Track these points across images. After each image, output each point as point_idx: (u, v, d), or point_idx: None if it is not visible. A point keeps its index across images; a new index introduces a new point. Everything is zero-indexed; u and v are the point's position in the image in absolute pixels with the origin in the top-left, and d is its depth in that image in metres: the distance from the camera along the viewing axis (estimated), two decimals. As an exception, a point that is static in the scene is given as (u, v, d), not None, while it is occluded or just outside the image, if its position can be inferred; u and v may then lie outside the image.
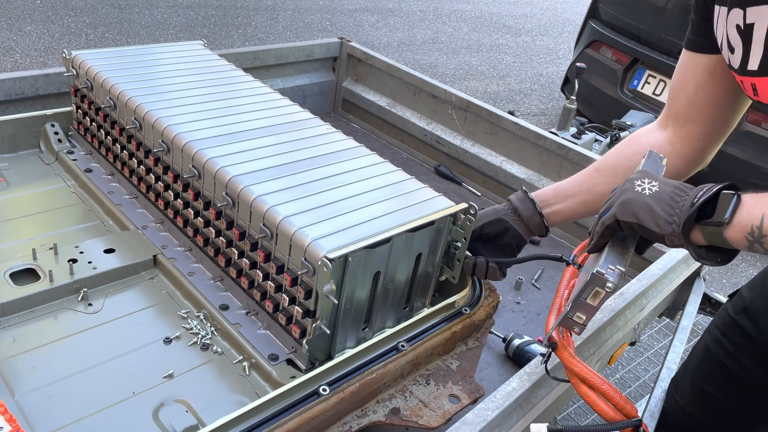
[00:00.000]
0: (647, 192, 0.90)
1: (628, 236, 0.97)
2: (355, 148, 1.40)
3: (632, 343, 1.79)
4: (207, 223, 1.29)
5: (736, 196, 0.84)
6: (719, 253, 0.87)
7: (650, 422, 1.31)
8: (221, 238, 1.26)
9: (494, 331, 1.61)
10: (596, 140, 2.97)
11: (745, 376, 1.18)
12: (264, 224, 1.14)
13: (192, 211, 1.32)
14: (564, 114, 2.98)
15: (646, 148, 1.10)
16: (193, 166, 1.28)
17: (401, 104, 2.51)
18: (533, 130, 2.14)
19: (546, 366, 1.04)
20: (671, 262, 1.47)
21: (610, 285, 0.89)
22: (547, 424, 0.95)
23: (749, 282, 1.23)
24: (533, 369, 1.10)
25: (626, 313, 1.39)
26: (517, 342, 1.57)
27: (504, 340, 1.60)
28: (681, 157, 1.19)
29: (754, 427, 1.24)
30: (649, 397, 1.39)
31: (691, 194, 0.87)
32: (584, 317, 0.94)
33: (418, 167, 2.42)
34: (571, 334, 1.02)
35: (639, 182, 0.92)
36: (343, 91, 2.66)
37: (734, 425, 1.21)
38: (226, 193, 1.21)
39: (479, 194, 2.29)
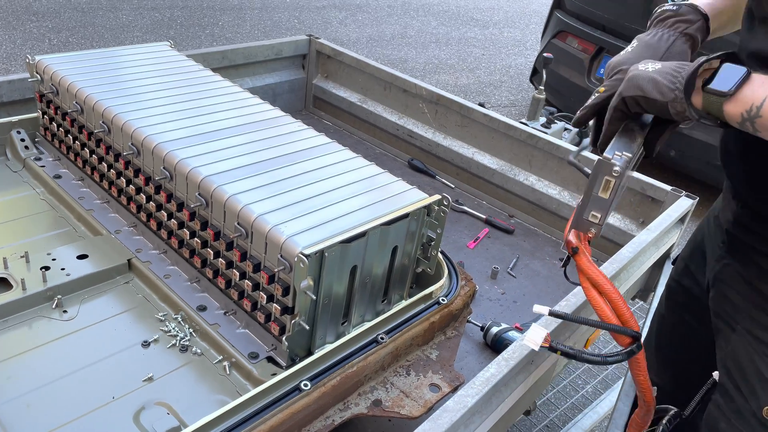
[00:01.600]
0: (650, 69, 0.90)
1: (636, 127, 0.97)
2: (327, 144, 1.40)
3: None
4: (181, 225, 1.29)
5: (746, 72, 0.83)
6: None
7: (626, 401, 1.34)
8: (196, 239, 1.25)
9: (472, 320, 1.64)
10: (566, 129, 3.01)
11: (691, 334, 1.26)
12: (239, 223, 1.14)
13: (165, 214, 1.32)
14: (533, 104, 3.01)
15: None
16: (164, 167, 1.27)
17: (372, 99, 2.52)
18: (503, 121, 2.17)
19: (565, 271, 1.04)
20: (641, 245, 1.51)
21: (617, 169, 0.88)
22: (548, 307, 0.96)
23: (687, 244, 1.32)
24: (511, 354, 1.12)
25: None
26: (495, 330, 1.59)
27: (482, 328, 1.62)
28: None
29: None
30: (624, 378, 1.42)
31: (693, 64, 0.88)
32: (599, 215, 0.92)
33: (392, 161, 2.43)
34: (589, 242, 1.00)
35: (642, 65, 0.92)
36: (314, 89, 2.65)
37: (693, 386, 1.25)
38: (199, 194, 1.20)
39: (453, 186, 2.31)
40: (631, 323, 0.92)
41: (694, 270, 1.26)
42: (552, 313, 0.98)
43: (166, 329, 1.22)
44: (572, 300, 1.27)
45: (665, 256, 1.80)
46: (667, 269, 1.82)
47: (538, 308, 0.95)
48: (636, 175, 1.90)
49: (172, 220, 1.30)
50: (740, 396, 1.04)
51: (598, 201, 0.92)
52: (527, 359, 1.15)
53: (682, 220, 1.78)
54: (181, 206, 1.27)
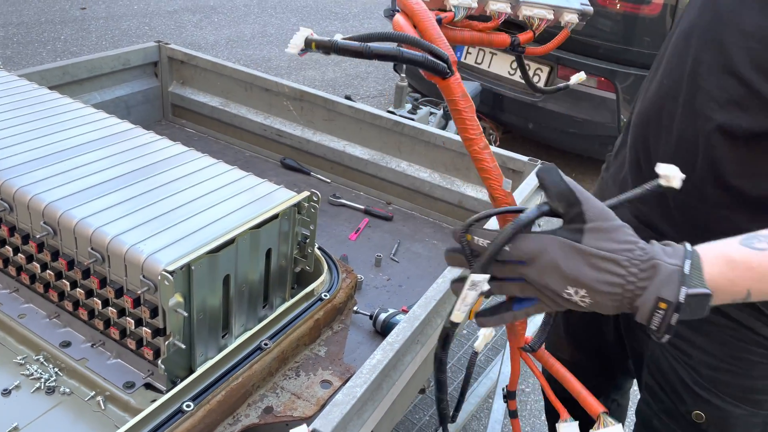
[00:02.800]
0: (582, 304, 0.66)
1: None
2: (184, 153, 1.34)
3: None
4: (30, 258, 1.18)
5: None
6: None
7: (509, 363, 1.40)
8: (48, 271, 1.15)
9: (360, 310, 1.64)
10: (431, 113, 3.10)
11: (600, 316, 1.23)
12: (93, 248, 1.06)
13: (10, 249, 1.20)
14: (397, 92, 3.07)
15: None
16: (2, 199, 1.16)
17: (235, 102, 2.45)
18: (369, 111, 2.19)
19: None
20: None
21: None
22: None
23: None
24: (395, 338, 1.14)
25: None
26: (383, 316, 1.61)
27: (371, 317, 1.64)
28: None
29: (626, 359, 1.31)
30: (506, 345, 1.49)
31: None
32: None
33: (264, 163, 2.38)
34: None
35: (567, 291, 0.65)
36: (171, 96, 2.53)
37: (610, 357, 1.30)
38: (45, 222, 1.10)
39: (329, 181, 2.31)
40: (440, 44, 0.74)
41: None
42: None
43: (28, 372, 1.11)
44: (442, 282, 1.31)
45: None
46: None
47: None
48: (496, 150, 1.99)
49: (19, 254, 1.18)
50: (668, 399, 1.07)
51: None
52: (411, 339, 1.17)
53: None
54: (26, 238, 1.16)
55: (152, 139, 1.38)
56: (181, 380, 1.07)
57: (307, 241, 1.30)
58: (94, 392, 1.09)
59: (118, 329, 1.10)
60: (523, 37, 0.96)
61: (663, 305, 0.61)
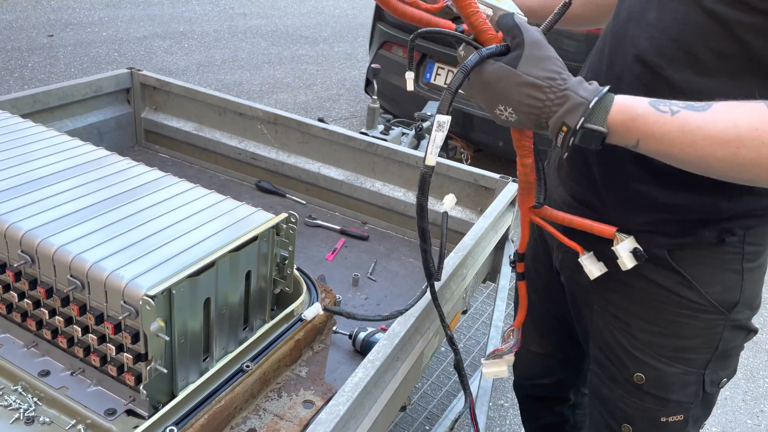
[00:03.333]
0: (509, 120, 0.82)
1: None
2: (161, 179, 1.35)
3: (464, 312, 1.94)
4: (6, 288, 1.17)
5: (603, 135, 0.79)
6: None
7: (486, 381, 1.43)
8: (26, 300, 1.15)
9: (339, 331, 1.66)
10: (403, 134, 3.15)
11: (560, 308, 1.32)
12: (72, 275, 1.06)
13: (-15, 279, 1.19)
14: (369, 114, 3.12)
15: None
16: (-24, 228, 1.15)
17: (209, 126, 2.46)
18: (342, 132, 2.22)
19: None
20: (480, 232, 1.62)
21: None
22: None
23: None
24: (376, 356, 1.16)
25: (450, 285, 1.50)
26: (362, 335, 1.63)
27: (350, 336, 1.65)
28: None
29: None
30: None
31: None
32: None
33: (239, 186, 2.39)
34: None
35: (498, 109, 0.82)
36: (144, 122, 2.53)
37: (578, 346, 1.34)
38: (23, 251, 1.10)
39: (304, 202, 2.33)
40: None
41: (541, 254, 1.34)
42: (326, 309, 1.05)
43: (6, 403, 1.10)
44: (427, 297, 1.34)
45: (504, 238, 1.96)
46: (508, 249, 1.98)
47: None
48: (467, 168, 2.04)
49: (-5, 284, 1.18)
50: (612, 366, 1.14)
51: None
52: (392, 356, 1.19)
53: (513, 203, 1.94)
54: (2, 268, 1.15)
55: (129, 165, 1.39)
56: (163, 405, 1.07)
57: (286, 262, 1.31)
58: (74, 420, 1.08)
59: (99, 356, 1.10)
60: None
61: (564, 128, 0.77)
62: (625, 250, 0.94)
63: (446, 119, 0.81)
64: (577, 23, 1.23)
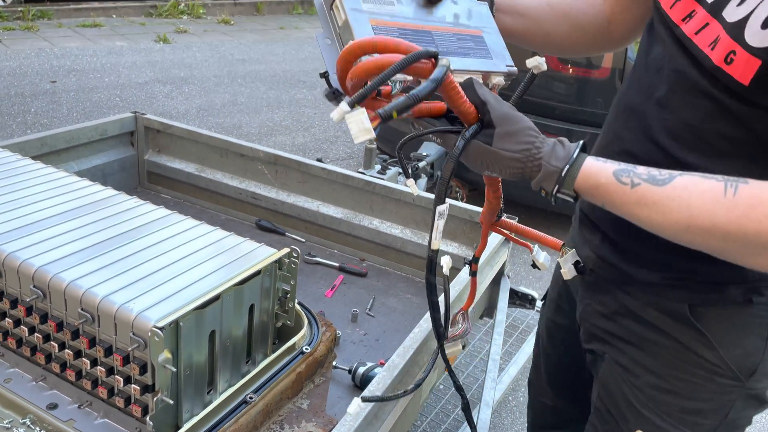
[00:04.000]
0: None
1: None
2: (167, 216, 1.40)
3: (463, 347, 1.96)
4: (18, 323, 1.21)
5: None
6: None
7: (486, 409, 1.46)
8: (36, 334, 1.18)
9: (339, 366, 1.68)
10: (399, 173, 3.22)
11: (578, 365, 1.25)
12: (83, 309, 1.10)
13: (-3, 314, 1.22)
14: (366, 154, 3.19)
15: (590, 1, 1.13)
16: (-10, 265, 1.19)
17: (210, 167, 2.52)
18: (341, 172, 2.29)
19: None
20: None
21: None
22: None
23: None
24: (376, 386, 1.19)
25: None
26: (361, 369, 1.65)
27: (349, 371, 1.67)
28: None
29: None
30: (483, 388, 1.55)
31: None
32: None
33: (239, 225, 2.44)
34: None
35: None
36: (147, 164, 2.60)
37: (588, 405, 1.28)
38: (35, 286, 1.14)
39: (303, 240, 2.37)
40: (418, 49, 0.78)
41: (565, 308, 1.27)
42: (365, 399, 1.08)
43: (13, 438, 1.12)
44: (425, 326, 1.37)
45: (500, 273, 2.00)
46: (504, 285, 2.02)
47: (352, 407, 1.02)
48: (463, 205, 2.10)
49: (7, 319, 1.21)
50: (612, 419, 1.10)
51: (344, 30, 0.89)
52: (391, 388, 1.22)
53: (507, 239, 1.99)
54: (15, 303, 1.19)
55: (136, 204, 1.44)
56: (169, 436, 1.10)
57: (288, 296, 1.35)
58: (81, 453, 1.10)
59: (106, 388, 1.12)
60: None
61: (543, 191, 0.85)
62: (567, 263, 1.02)
63: (445, 207, 0.87)
64: (561, 52, 1.23)
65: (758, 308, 0.95)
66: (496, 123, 0.82)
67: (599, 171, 0.82)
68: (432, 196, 2.15)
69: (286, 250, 1.31)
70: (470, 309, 1.30)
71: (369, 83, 0.76)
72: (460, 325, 1.28)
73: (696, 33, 0.88)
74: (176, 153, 2.57)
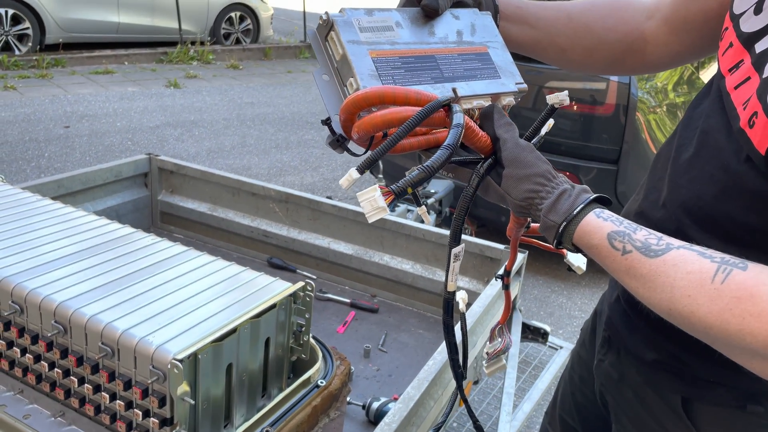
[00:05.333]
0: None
1: None
2: (183, 252, 1.43)
3: (476, 382, 1.96)
4: (38, 358, 1.22)
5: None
6: None
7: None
8: (56, 369, 1.19)
9: (352, 401, 1.68)
10: (408, 210, 3.25)
11: (591, 407, 1.21)
12: (103, 342, 1.11)
13: (18, 350, 1.24)
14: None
15: (626, 17, 1.02)
16: (13, 301, 1.22)
17: (222, 206, 2.57)
18: (351, 209, 2.32)
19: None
20: (488, 299, 1.68)
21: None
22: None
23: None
24: (392, 419, 1.19)
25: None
26: (375, 405, 1.65)
27: (363, 406, 1.67)
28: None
29: None
30: (498, 423, 1.54)
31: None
32: (353, 79, 0.82)
33: (250, 263, 2.46)
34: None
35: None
36: (160, 204, 2.64)
37: None
38: (56, 321, 1.16)
39: (315, 277, 2.39)
40: (429, 98, 0.76)
41: (590, 344, 1.19)
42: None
43: (31, 474, 1.13)
44: (438, 358, 1.38)
45: (513, 306, 2.00)
46: (516, 318, 2.02)
47: None
48: (474, 239, 2.12)
49: (27, 355, 1.23)
50: None
51: (342, 65, 0.83)
52: (407, 420, 1.22)
53: (518, 273, 2.00)
54: (36, 338, 1.21)
55: (153, 241, 1.47)
56: (186, 471, 1.10)
57: (303, 329, 1.37)
58: (99, 488, 1.10)
59: (125, 422, 1.13)
60: None
61: (517, 219, 0.87)
62: (574, 258, 0.95)
63: (461, 248, 0.84)
64: (577, 67, 1.09)
65: (757, 417, 0.85)
66: (505, 164, 0.79)
67: (594, 231, 0.75)
68: (441, 231, 2.18)
69: (300, 284, 1.33)
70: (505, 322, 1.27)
71: (380, 144, 0.75)
72: (499, 341, 1.25)
73: (735, 88, 0.77)
74: (189, 193, 2.62)
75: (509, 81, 0.93)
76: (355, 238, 2.34)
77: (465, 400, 1.08)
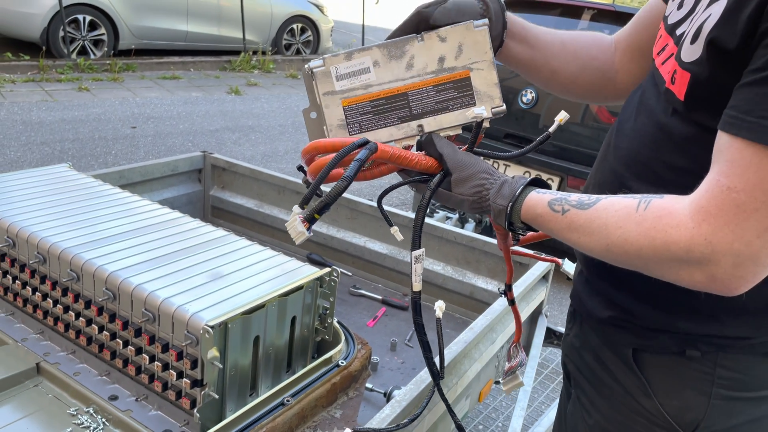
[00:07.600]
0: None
1: None
2: (224, 236, 1.56)
3: (497, 382, 2.01)
4: (89, 322, 1.37)
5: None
6: None
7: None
8: (105, 332, 1.34)
9: (375, 388, 1.76)
10: (447, 217, 3.33)
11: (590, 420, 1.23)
12: (146, 309, 1.25)
13: (73, 314, 1.39)
14: (416, 198, 3.33)
15: (603, 48, 1.14)
16: (71, 270, 1.37)
17: (268, 203, 2.71)
18: (387, 211, 2.42)
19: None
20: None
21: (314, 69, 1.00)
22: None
23: None
24: (402, 396, 1.27)
25: (479, 346, 1.61)
26: (396, 393, 1.73)
27: (385, 394, 1.75)
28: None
29: None
30: (512, 417, 1.59)
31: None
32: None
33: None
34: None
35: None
36: (212, 199, 2.81)
37: None
38: (107, 288, 1.31)
39: (350, 274, 2.50)
40: (345, 143, 0.93)
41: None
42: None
43: (79, 422, 1.26)
44: (453, 348, 1.45)
45: (537, 311, 2.05)
46: (541, 322, 2.07)
47: None
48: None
49: (80, 318, 1.38)
50: None
51: (320, 112, 1.00)
52: (417, 400, 1.30)
53: (545, 278, 2.04)
54: (88, 304, 1.36)
55: (198, 225, 1.61)
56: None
57: (327, 312, 1.47)
58: (135, 438, 1.23)
59: (161, 382, 1.26)
60: None
61: (497, 226, 0.97)
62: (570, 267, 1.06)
63: (421, 252, 0.98)
64: (564, 91, 1.18)
65: (696, 363, 0.91)
66: (451, 170, 0.95)
67: (536, 203, 0.89)
68: (472, 235, 2.25)
69: (327, 270, 1.44)
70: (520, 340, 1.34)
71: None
72: (515, 358, 1.33)
73: (662, 63, 0.92)
74: (238, 189, 2.78)
75: (486, 105, 1.00)
76: (390, 238, 2.44)
77: (444, 400, 1.14)
